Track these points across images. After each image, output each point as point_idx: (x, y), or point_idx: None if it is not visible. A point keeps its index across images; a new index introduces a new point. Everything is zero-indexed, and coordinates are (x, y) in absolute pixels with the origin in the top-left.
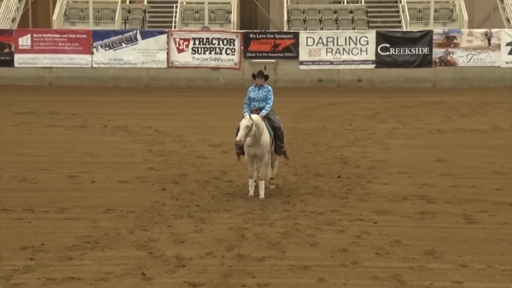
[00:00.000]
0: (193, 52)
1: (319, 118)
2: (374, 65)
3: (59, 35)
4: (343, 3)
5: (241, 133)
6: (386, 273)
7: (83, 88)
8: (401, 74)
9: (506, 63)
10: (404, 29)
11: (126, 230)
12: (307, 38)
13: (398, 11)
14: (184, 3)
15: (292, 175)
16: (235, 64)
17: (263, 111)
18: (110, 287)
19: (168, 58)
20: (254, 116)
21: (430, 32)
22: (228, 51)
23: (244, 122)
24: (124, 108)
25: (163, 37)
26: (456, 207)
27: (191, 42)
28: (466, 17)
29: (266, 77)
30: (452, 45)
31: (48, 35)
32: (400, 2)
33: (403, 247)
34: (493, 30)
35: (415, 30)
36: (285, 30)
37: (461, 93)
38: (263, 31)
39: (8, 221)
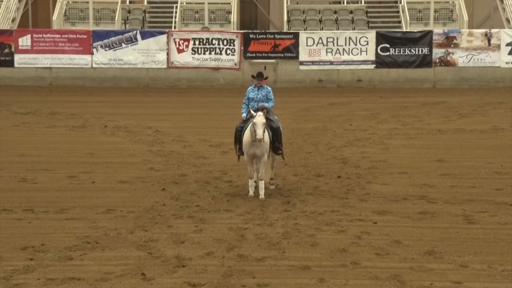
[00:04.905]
0: (193, 53)
1: (319, 118)
2: (374, 65)
3: (59, 35)
4: (343, 3)
5: (260, 131)
6: (386, 273)
7: (83, 89)
8: (401, 75)
9: (506, 63)
10: (404, 30)
11: (126, 230)
12: (307, 38)
13: (398, 11)
14: (184, 3)
15: (292, 175)
16: (235, 64)
17: (265, 104)
18: (110, 287)
19: (168, 59)
20: (260, 112)
21: (430, 33)
22: (228, 52)
23: (261, 120)
24: (124, 108)
25: (163, 37)
26: (456, 207)
27: (191, 42)
28: (466, 17)
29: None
30: (452, 46)
31: (48, 35)
32: (400, 2)
33: (403, 247)
34: (493, 30)
35: (415, 31)
36: (285, 30)
37: (461, 93)
38: (263, 31)
39: (8, 221)
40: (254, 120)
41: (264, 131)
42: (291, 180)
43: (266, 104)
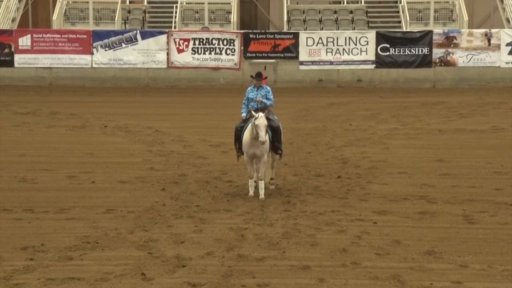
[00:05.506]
0: (193, 52)
1: (319, 118)
2: (374, 65)
3: (59, 35)
4: (343, 3)
5: (263, 133)
6: (386, 273)
7: (83, 88)
8: (401, 74)
9: (506, 63)
10: (404, 30)
11: (126, 230)
12: (307, 38)
13: (398, 11)
14: (184, 3)
15: (292, 175)
16: (235, 64)
17: (265, 100)
18: (110, 287)
19: (168, 58)
20: (261, 113)
21: (430, 33)
22: (228, 51)
23: (263, 122)
24: (124, 108)
25: (163, 37)
26: (456, 207)
27: (191, 42)
28: (466, 17)
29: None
30: (452, 45)
31: (48, 35)
32: (400, 2)
33: (403, 247)
34: (493, 30)
35: (415, 31)
36: (285, 30)
37: (461, 93)
38: (263, 31)
39: (8, 221)
40: (256, 122)
41: (266, 133)
42: (291, 180)
43: (264, 100)
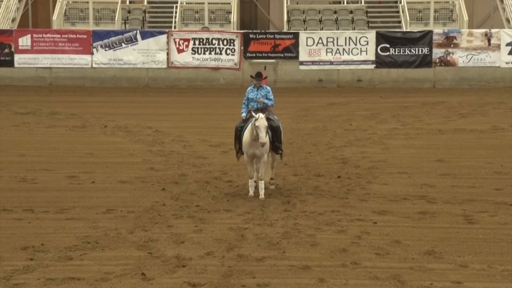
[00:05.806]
0: (193, 53)
1: (319, 118)
2: (374, 65)
3: (59, 35)
4: (343, 3)
5: (263, 134)
6: (386, 273)
7: (83, 88)
8: (401, 74)
9: (506, 63)
10: (404, 30)
11: (126, 230)
12: (307, 38)
13: (398, 11)
14: (184, 3)
15: (292, 175)
16: (235, 64)
17: (265, 100)
18: (110, 287)
19: (168, 58)
20: (261, 114)
21: (430, 33)
22: (228, 51)
23: (263, 123)
24: (124, 108)
25: (163, 37)
26: (456, 207)
27: (191, 42)
28: (466, 17)
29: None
30: (452, 45)
31: (48, 35)
32: (400, 2)
33: (403, 247)
34: (493, 30)
35: (415, 31)
36: (285, 30)
37: (461, 93)
38: (263, 31)
39: (8, 221)
40: (257, 124)
41: (266, 134)
42: (291, 180)
43: (265, 101)
